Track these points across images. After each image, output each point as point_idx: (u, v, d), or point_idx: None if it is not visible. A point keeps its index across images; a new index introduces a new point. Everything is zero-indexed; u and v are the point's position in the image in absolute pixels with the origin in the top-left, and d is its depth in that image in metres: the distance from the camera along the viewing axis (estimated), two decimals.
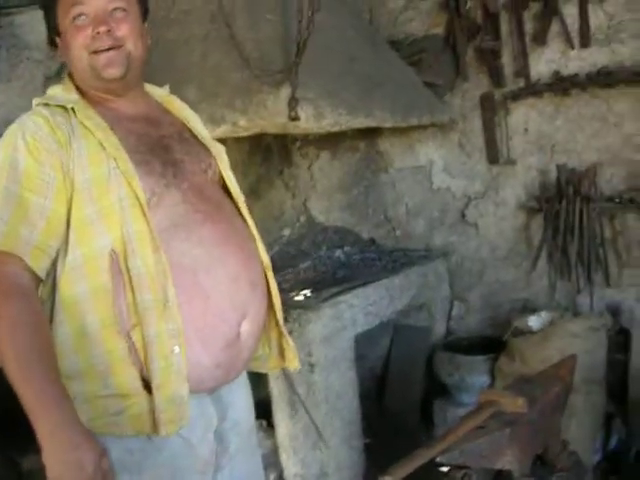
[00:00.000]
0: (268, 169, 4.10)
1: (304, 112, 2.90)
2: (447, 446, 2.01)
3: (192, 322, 1.71)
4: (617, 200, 3.61)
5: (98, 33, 1.72)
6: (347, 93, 3.20)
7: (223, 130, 3.04)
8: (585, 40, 3.65)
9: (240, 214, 1.95)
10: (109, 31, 1.73)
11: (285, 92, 2.90)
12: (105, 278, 1.66)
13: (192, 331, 1.71)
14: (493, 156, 4.00)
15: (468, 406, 3.64)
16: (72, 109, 1.73)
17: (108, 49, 1.74)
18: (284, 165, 4.18)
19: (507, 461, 2.06)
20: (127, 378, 1.67)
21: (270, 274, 1.94)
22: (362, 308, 3.42)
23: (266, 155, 4.07)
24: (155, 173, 1.75)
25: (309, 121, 2.94)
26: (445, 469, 2.16)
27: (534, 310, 3.82)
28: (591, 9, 3.61)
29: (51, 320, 1.69)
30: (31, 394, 1.50)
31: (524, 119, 3.90)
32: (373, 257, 4.05)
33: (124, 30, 1.76)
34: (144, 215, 1.68)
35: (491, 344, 3.78)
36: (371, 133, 4.20)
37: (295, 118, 2.86)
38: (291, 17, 3.02)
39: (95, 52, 1.74)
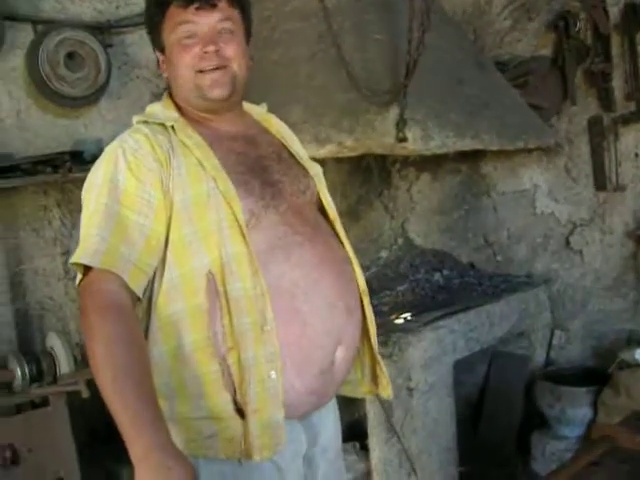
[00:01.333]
0: (367, 190, 4.07)
1: (412, 133, 2.88)
2: None
3: (287, 347, 1.67)
4: None
5: (206, 52, 1.72)
6: (454, 115, 3.16)
7: (328, 150, 3.03)
8: None
9: (337, 236, 1.90)
10: (217, 51, 1.72)
11: (393, 113, 2.88)
12: (201, 299, 1.64)
13: (287, 357, 1.67)
14: (601, 182, 3.88)
15: (568, 439, 3.55)
16: (172, 127, 1.73)
17: (214, 69, 1.73)
18: (383, 186, 4.16)
19: None
20: (220, 401, 1.65)
21: (366, 300, 1.88)
22: (463, 334, 3.36)
23: (366, 176, 4.05)
24: (254, 194, 1.71)
25: (417, 142, 2.92)
26: None
27: None
28: None
29: (146, 338, 1.69)
30: (125, 415, 1.48)
31: (635, 144, 3.79)
32: (473, 282, 3.98)
33: (231, 51, 1.75)
34: (243, 237, 1.65)
35: (593, 376, 3.67)
36: (473, 155, 4.14)
37: (403, 139, 2.84)
38: (400, 37, 2.99)
39: (201, 71, 1.73)
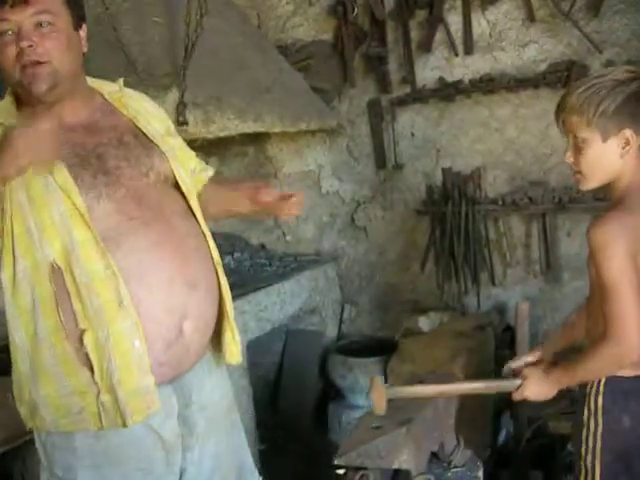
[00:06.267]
0: None
1: (192, 116, 2.87)
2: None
3: None
4: (500, 202, 3.73)
5: (22, 49, 1.71)
6: (236, 98, 3.18)
7: None
8: (468, 47, 3.76)
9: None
10: (31, 46, 1.71)
11: (172, 96, 2.85)
12: (48, 287, 1.73)
13: None
14: (381, 161, 4.06)
15: (362, 408, 3.67)
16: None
17: (35, 64, 1.72)
18: None
19: (404, 460, 2.09)
20: (81, 377, 1.75)
21: (220, 270, 1.96)
22: (254, 314, 3.40)
23: None
24: (84, 186, 1.75)
25: (197, 126, 2.91)
26: (342, 471, 2.16)
27: (423, 311, 3.90)
28: (474, 18, 3.73)
29: (8, 325, 1.79)
30: None
31: (410, 124, 3.98)
32: (264, 262, 4.04)
33: (48, 45, 1.73)
34: (86, 224, 1.72)
35: (383, 345, 3.83)
36: (260, 138, 4.19)
37: (183, 123, 2.82)
38: (179, 20, 2.98)
39: (24, 66, 1.72)
